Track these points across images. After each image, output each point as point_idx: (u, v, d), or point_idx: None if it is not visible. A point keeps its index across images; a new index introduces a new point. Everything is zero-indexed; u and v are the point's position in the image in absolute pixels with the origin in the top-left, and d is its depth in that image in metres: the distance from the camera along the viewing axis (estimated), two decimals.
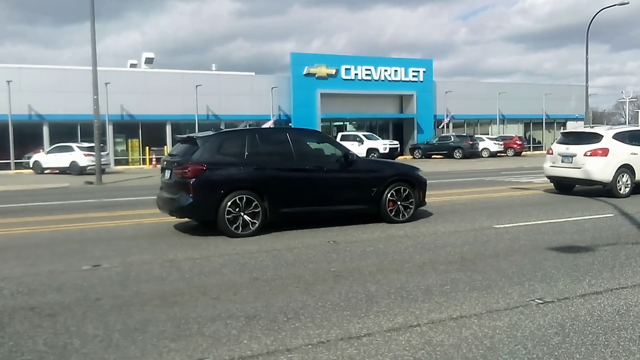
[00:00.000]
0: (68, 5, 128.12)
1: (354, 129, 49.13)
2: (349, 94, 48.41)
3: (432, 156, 43.77)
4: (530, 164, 32.40)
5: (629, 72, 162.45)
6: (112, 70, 41.35)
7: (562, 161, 14.93)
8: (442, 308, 5.11)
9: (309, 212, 9.90)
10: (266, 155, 9.65)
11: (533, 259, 7.08)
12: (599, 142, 14.45)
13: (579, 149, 14.56)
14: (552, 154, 15.45)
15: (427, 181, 11.01)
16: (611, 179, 14.12)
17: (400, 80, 50.94)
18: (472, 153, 41.95)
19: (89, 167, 28.45)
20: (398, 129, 52.48)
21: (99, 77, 23.59)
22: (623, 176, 14.23)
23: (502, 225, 9.74)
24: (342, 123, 51.43)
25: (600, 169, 14.15)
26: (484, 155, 43.50)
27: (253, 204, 9.12)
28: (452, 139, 43.74)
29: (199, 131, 40.50)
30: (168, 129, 42.47)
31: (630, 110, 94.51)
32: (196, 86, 41.14)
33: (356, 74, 49.01)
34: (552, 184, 16.00)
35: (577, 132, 16.33)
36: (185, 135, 10.54)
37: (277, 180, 9.45)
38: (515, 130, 56.20)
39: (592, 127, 17.54)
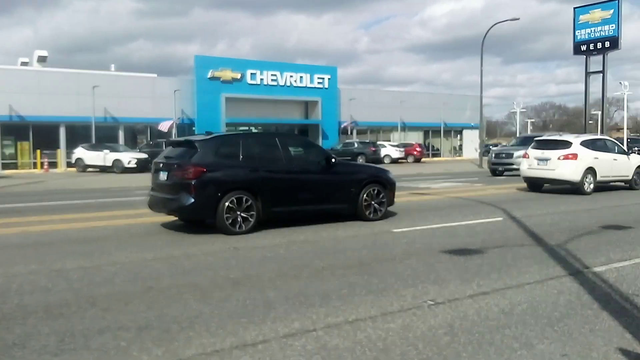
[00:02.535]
0: None
1: None
2: (255, 98, 48.29)
3: None
4: (429, 170, 33.69)
5: (519, 84, 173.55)
6: (1, 69, 38.76)
7: (538, 164, 17.37)
8: (338, 312, 5.15)
9: (297, 211, 10.58)
10: (259, 158, 10.28)
11: (427, 262, 7.31)
12: (569, 148, 17.01)
13: (553, 154, 17.06)
14: (528, 157, 17.85)
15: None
16: (580, 179, 16.68)
17: (306, 86, 51.44)
18: (374, 159, 42.94)
19: None
20: (303, 134, 52.90)
21: None
22: (588, 177, 16.84)
23: (399, 230, 10.02)
24: (247, 128, 51.09)
25: (572, 171, 16.69)
26: (385, 162, 44.64)
27: (249, 204, 9.68)
28: (356, 145, 44.67)
29: (96, 133, 38.88)
30: (62, 131, 40.40)
31: (521, 120, 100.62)
32: (93, 87, 39.34)
33: (262, 79, 48.97)
34: (446, 190, 16.75)
35: (550, 139, 18.86)
36: (183, 139, 11.27)
37: (270, 182, 10.07)
38: (415, 138, 58.32)
39: (561, 135, 20.02)
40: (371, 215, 11.14)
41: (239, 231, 9.51)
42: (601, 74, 51.24)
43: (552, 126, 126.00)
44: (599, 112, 58.77)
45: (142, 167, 32.57)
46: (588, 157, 16.97)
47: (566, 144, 17.28)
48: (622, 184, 18.79)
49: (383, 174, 11.89)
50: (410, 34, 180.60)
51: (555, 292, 5.84)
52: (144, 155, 33.63)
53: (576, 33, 51.95)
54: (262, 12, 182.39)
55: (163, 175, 10.11)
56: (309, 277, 6.51)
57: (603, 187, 17.91)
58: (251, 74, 48.43)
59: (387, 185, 11.57)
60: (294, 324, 4.80)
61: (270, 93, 49.26)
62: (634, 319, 4.97)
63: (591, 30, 50.03)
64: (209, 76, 45.97)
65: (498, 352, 4.21)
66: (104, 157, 33.15)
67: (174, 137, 41.96)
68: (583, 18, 50.82)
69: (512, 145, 28.93)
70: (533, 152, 17.79)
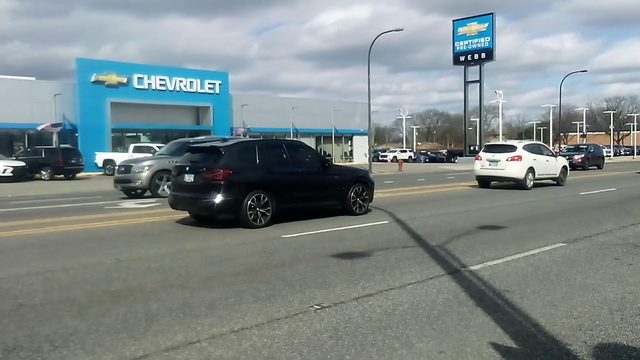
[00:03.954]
0: None
1: (148, 141, 47.35)
2: (143, 104, 46.75)
3: None
4: None
5: (405, 92, 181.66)
6: None
7: (490, 165, 21.20)
8: (224, 322, 5.06)
9: (302, 207, 12.18)
10: (271, 162, 11.68)
11: (315, 267, 7.39)
12: (514, 151, 20.92)
13: (502, 156, 20.94)
14: (480, 159, 21.70)
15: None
16: (523, 176, 20.50)
17: (196, 91, 50.59)
18: None
19: None
20: None
21: None
22: (529, 175, 20.69)
23: (289, 235, 10.05)
24: (135, 134, 49.34)
25: (517, 170, 20.53)
26: None
27: (265, 201, 11.12)
28: None
29: None
30: None
31: (407, 126, 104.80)
32: None
33: (150, 84, 47.55)
34: None
35: (498, 144, 23.62)
36: (208, 144, 12.39)
37: (281, 182, 11.56)
38: (307, 144, 59.00)
39: (506, 141, 24.29)
40: (357, 210, 12.93)
41: (259, 225, 10.88)
42: (478, 84, 54.36)
43: (435, 132, 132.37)
44: (477, 119, 62.60)
45: (19, 175, 30.39)
46: (529, 158, 20.86)
47: (512, 148, 21.28)
48: (551, 181, 22.69)
49: (366, 174, 13.92)
50: (300, 41, 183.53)
51: (434, 291, 6.10)
52: (21, 163, 31.38)
53: (455, 44, 54.98)
54: (149, 15, 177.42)
55: (189, 177, 11.30)
56: (195, 287, 6.35)
57: (536, 183, 21.44)
58: (138, 78, 46.87)
59: (368, 184, 13.45)
60: (177, 336, 4.66)
61: (159, 98, 47.90)
62: (504, 314, 5.29)
63: (469, 42, 53.17)
64: (92, 80, 43.92)
65: (380, 352, 4.32)
66: None
67: (55, 143, 39.66)
68: (461, 30, 53.92)
69: (160, 154, 20.61)
70: (485, 155, 21.61)
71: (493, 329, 4.86)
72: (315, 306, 5.53)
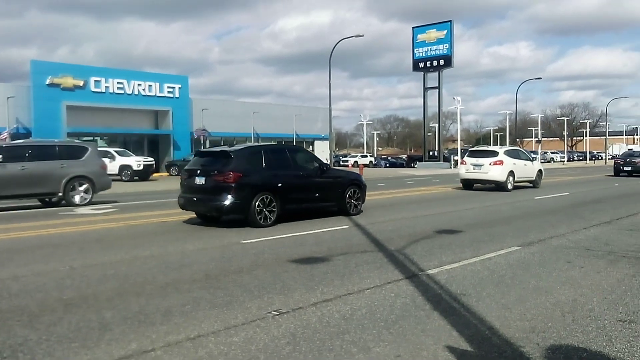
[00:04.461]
0: None
1: (106, 145, 46.36)
2: (100, 107, 45.82)
3: None
4: None
5: (365, 97, 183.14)
6: None
7: (474, 169, 22.75)
8: (180, 329, 4.98)
9: (303, 208, 13.00)
10: (276, 166, 12.41)
11: (274, 272, 7.35)
12: (496, 156, 22.54)
13: (485, 161, 22.51)
14: (465, 164, 23.32)
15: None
16: (504, 179, 22.18)
17: (155, 95, 49.84)
18: None
19: None
20: (154, 145, 51.11)
21: None
22: (510, 178, 22.38)
23: (249, 241, 9.98)
24: (92, 138, 48.27)
25: (499, 173, 22.19)
26: None
27: (272, 203, 11.85)
28: None
29: None
30: None
31: (368, 131, 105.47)
32: None
33: (107, 87, 46.62)
34: None
35: (481, 149, 25.07)
36: (218, 149, 13.12)
37: (286, 185, 12.26)
38: None
39: (489, 146, 25.73)
40: (352, 210, 13.78)
41: (265, 224, 11.59)
42: (437, 90, 55.13)
43: (396, 137, 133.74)
44: (437, 125, 63.54)
45: None
46: (510, 163, 22.53)
47: (494, 153, 22.87)
48: (528, 183, 24.10)
49: (359, 177, 14.80)
50: (261, 46, 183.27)
51: (392, 296, 6.14)
52: None
53: (415, 51, 55.71)
54: (107, 18, 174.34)
55: (200, 180, 11.91)
56: (151, 295, 6.24)
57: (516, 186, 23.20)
58: (95, 81, 45.91)
59: (362, 187, 14.36)
60: (131, 345, 4.57)
61: (116, 102, 47.01)
62: (460, 317, 5.36)
63: (428, 49, 53.99)
64: (47, 83, 42.80)
65: (337, 357, 4.32)
66: None
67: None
68: (421, 37, 54.71)
69: None
70: (469, 160, 23.09)
71: (449, 332, 4.91)
72: (273, 312, 5.50)
